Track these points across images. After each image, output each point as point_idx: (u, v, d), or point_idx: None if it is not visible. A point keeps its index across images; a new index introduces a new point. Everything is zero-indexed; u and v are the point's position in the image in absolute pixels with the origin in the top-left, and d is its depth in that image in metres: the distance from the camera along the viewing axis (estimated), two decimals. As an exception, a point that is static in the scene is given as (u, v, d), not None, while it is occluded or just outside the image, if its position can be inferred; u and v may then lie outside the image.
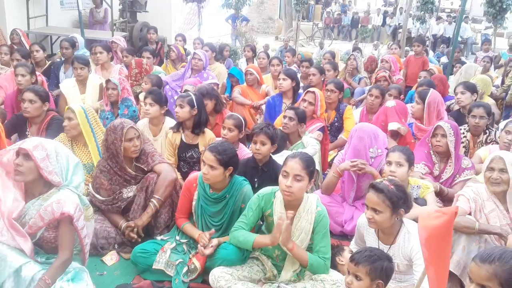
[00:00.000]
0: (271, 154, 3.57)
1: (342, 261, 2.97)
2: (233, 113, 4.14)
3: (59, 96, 5.28)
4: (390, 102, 4.42)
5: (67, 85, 5.26)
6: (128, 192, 3.40)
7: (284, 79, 5.23)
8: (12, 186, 2.51)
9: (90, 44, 7.84)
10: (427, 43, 14.33)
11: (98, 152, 3.74)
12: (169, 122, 4.31)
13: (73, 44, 6.35)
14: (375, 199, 2.54)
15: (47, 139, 2.66)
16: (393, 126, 4.26)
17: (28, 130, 4.10)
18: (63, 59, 6.45)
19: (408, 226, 2.65)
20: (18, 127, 4.08)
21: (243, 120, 3.95)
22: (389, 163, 3.24)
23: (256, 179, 3.42)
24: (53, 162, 2.47)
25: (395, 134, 4.31)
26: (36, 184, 2.51)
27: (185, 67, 6.26)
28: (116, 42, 6.97)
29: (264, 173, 3.48)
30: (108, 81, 4.79)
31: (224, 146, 2.99)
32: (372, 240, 2.76)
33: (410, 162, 3.22)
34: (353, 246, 3.04)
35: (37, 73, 5.04)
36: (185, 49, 7.71)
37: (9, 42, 7.14)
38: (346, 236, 3.61)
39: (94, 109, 4.14)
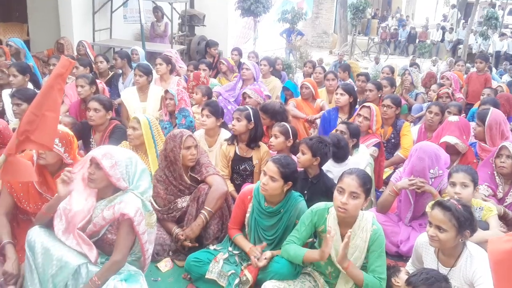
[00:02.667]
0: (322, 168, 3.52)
1: (398, 282, 2.88)
2: (281, 122, 4.15)
3: (121, 105, 5.51)
4: (453, 117, 4.22)
5: (128, 93, 5.49)
6: (182, 202, 3.48)
7: (341, 94, 5.18)
8: (86, 192, 2.61)
9: (150, 56, 8.16)
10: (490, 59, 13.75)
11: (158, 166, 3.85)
12: (225, 134, 4.37)
13: (124, 56, 6.62)
14: (441, 217, 2.45)
15: (117, 147, 2.78)
16: (450, 139, 3.98)
17: (92, 137, 4.29)
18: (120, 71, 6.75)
19: (471, 248, 2.53)
20: (83, 134, 4.29)
21: (289, 128, 3.94)
22: (453, 184, 3.10)
23: (305, 191, 3.40)
24: (121, 169, 2.56)
25: (455, 153, 4.10)
26: (106, 190, 2.62)
27: (237, 78, 6.37)
28: (168, 54, 7.16)
29: (313, 185, 3.45)
30: (166, 91, 4.96)
31: (287, 160, 3.00)
32: (430, 261, 2.66)
33: (475, 182, 3.08)
34: (409, 267, 2.94)
35: (98, 81, 5.29)
36: (240, 63, 7.84)
37: (75, 53, 7.55)
38: (402, 257, 3.49)
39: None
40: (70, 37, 8.01)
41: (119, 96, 6.09)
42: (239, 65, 6.63)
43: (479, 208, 3.18)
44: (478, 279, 2.42)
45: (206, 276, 2.98)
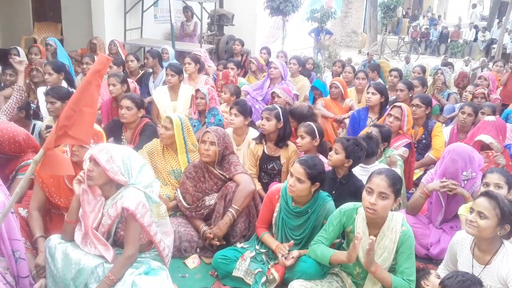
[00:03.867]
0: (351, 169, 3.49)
1: (427, 285, 2.83)
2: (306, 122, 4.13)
3: (152, 103, 5.59)
4: (490, 117, 4.11)
5: (159, 92, 5.58)
6: (210, 200, 3.51)
7: (373, 94, 5.12)
8: (95, 193, 2.66)
9: (180, 55, 8.26)
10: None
11: (187, 161, 3.90)
12: (253, 132, 4.39)
13: (155, 55, 6.71)
14: (485, 204, 2.42)
15: (112, 144, 2.81)
16: (485, 138, 3.90)
17: (123, 134, 4.38)
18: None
19: (508, 247, 2.47)
20: (114, 131, 4.37)
21: (315, 127, 3.93)
22: (487, 184, 3.04)
23: (334, 191, 3.37)
24: (118, 163, 2.57)
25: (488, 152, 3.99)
26: (109, 187, 2.63)
27: (265, 77, 6.37)
28: (196, 53, 7.23)
29: (342, 185, 3.42)
30: (197, 90, 5.01)
31: (314, 161, 2.98)
32: (465, 258, 2.59)
33: (510, 184, 3.00)
34: (441, 270, 2.87)
35: (130, 80, 5.38)
36: (268, 62, 7.85)
37: (107, 52, 7.71)
38: (431, 260, 3.43)
39: (182, 117, 4.33)
40: (102, 37, 8.17)
41: (149, 94, 6.19)
42: (267, 64, 6.63)
43: None
44: None
45: (233, 274, 3.00)
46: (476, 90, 5.87)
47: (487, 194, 2.46)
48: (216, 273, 3.16)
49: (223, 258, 3.07)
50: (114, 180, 2.57)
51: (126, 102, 4.23)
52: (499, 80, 7.31)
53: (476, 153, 3.47)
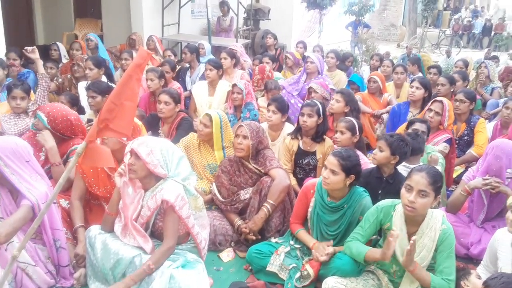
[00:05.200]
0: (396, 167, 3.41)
1: (467, 285, 2.74)
2: (346, 117, 4.07)
3: (189, 98, 5.66)
4: None
5: (198, 87, 5.63)
6: (245, 194, 3.52)
7: (417, 88, 5.00)
8: (135, 185, 2.71)
9: (216, 50, 8.31)
10: None
11: (224, 157, 3.92)
12: (288, 128, 4.37)
13: (193, 50, 6.76)
14: None
15: (152, 137, 2.86)
16: None
17: (160, 128, 4.46)
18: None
19: None
20: (152, 125, 4.46)
21: (356, 123, 3.87)
22: None
23: (380, 191, 3.29)
24: (158, 156, 2.63)
25: None
26: (148, 180, 2.69)
27: (301, 71, 6.33)
28: (233, 48, 7.25)
29: (388, 185, 3.33)
30: (234, 85, 5.02)
31: (348, 153, 2.95)
32: (506, 257, 2.50)
33: None
34: (481, 270, 2.78)
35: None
36: (304, 56, 7.79)
37: (145, 47, 7.84)
38: (472, 260, 3.32)
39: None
40: (140, 32, 8.33)
41: (185, 89, 6.26)
42: (304, 59, 6.58)
43: None
44: None
45: (267, 269, 3.00)
46: (523, 84, 5.63)
47: None
48: (250, 268, 3.17)
49: (258, 253, 3.07)
50: (154, 172, 2.63)
51: (164, 97, 4.30)
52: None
53: None
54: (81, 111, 4.72)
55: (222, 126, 3.91)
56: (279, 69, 7.94)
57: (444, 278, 2.53)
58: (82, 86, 5.22)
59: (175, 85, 5.68)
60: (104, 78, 5.28)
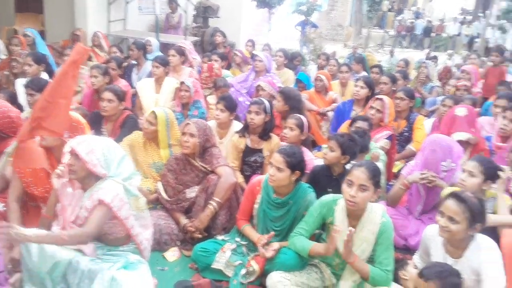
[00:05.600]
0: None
1: (405, 275, 2.86)
2: (295, 114, 4.14)
3: (136, 95, 5.54)
4: (461, 111, 4.11)
5: (144, 84, 5.52)
6: (191, 192, 3.50)
7: (362, 87, 5.14)
8: (72, 190, 2.62)
9: (164, 47, 8.18)
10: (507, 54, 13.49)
11: (170, 155, 3.85)
12: (236, 126, 4.38)
13: (141, 47, 6.63)
14: (455, 208, 2.41)
15: (93, 136, 2.78)
16: (461, 136, 3.93)
17: (103, 127, 4.33)
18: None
19: (479, 239, 2.50)
20: (94, 124, 4.29)
21: (304, 122, 3.94)
22: (463, 171, 3.11)
23: (329, 189, 3.34)
24: (98, 155, 2.54)
25: (463, 143, 3.97)
26: (88, 180, 2.59)
27: (250, 69, 6.36)
28: (182, 45, 7.17)
29: (338, 183, 3.38)
30: (182, 83, 4.97)
31: (293, 150, 3.00)
32: (438, 253, 2.62)
33: (487, 174, 3.03)
34: (416, 260, 2.91)
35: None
36: (253, 54, 7.83)
37: (90, 44, 7.60)
38: (410, 251, 3.45)
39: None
40: (84, 28, 8.07)
41: (132, 86, 6.13)
42: (252, 57, 6.62)
43: (492, 198, 3.14)
44: (485, 270, 2.38)
45: (212, 266, 3.00)
46: (458, 83, 5.93)
47: (456, 196, 2.45)
48: (195, 266, 3.15)
49: (203, 251, 3.06)
50: (94, 172, 2.54)
51: (107, 95, 4.18)
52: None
53: (456, 144, 3.51)
54: (19, 109, 4.48)
55: (168, 124, 3.85)
56: (228, 67, 7.93)
57: (383, 269, 2.63)
58: (20, 83, 4.97)
59: (121, 83, 5.54)
60: (44, 75, 5.06)
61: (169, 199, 3.52)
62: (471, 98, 5.20)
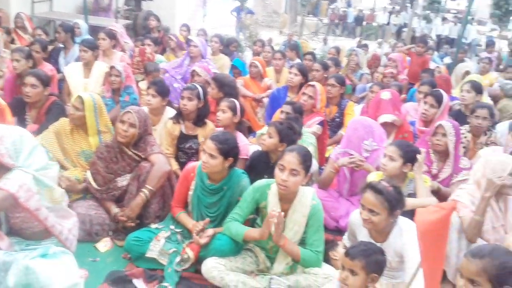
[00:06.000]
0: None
1: (335, 256, 2.98)
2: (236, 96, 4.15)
3: (63, 80, 5.27)
4: (386, 94, 4.28)
5: (72, 68, 5.27)
6: (122, 181, 3.41)
7: (296, 74, 5.20)
8: None
9: (93, 31, 7.83)
10: (431, 43, 14.30)
11: (99, 142, 3.72)
12: (169, 112, 4.31)
13: (68, 29, 6.32)
14: (373, 200, 2.51)
15: (2, 125, 2.60)
16: (387, 118, 4.09)
17: (27, 114, 4.09)
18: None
19: (401, 223, 2.63)
20: (17, 111, 4.05)
21: (237, 104, 3.96)
22: (385, 155, 3.26)
23: (266, 176, 3.37)
24: (7, 145, 2.37)
25: (390, 126, 4.17)
26: None
27: (184, 55, 6.27)
28: (113, 28, 6.91)
29: (274, 170, 3.46)
30: (112, 67, 4.79)
31: (226, 136, 3.01)
32: (363, 238, 2.74)
33: (406, 158, 3.19)
34: (346, 241, 3.04)
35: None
36: (188, 39, 7.71)
37: (12, 26, 7.12)
38: (340, 232, 3.59)
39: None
40: (6, 8, 7.52)
41: (60, 71, 5.83)
42: (187, 42, 6.51)
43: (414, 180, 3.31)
44: (407, 251, 2.52)
45: (146, 255, 2.95)
46: (385, 70, 6.21)
47: (372, 188, 2.54)
48: (129, 256, 3.08)
49: (136, 240, 3.00)
50: (3, 164, 2.38)
51: (30, 80, 3.93)
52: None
53: (377, 126, 3.70)
54: None
55: (96, 109, 3.68)
56: (162, 52, 7.77)
57: (313, 250, 2.73)
58: None
59: (47, 67, 5.24)
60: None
61: (99, 188, 3.40)
62: (397, 85, 5.46)
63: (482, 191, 2.86)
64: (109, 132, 3.75)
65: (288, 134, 3.42)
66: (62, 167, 3.58)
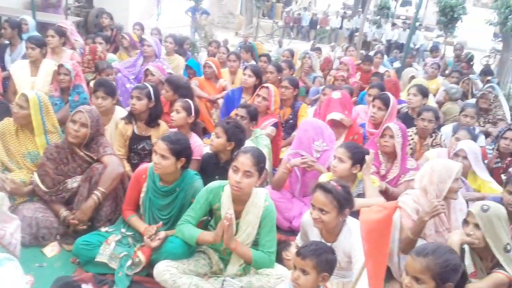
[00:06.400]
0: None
1: (288, 256, 3.02)
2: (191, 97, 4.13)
3: (9, 78, 5.05)
4: (336, 94, 4.39)
5: (18, 66, 5.06)
6: (73, 182, 3.31)
7: (250, 76, 5.23)
8: None
9: (42, 27, 7.54)
10: (382, 47, 14.82)
11: (46, 144, 3.58)
12: (119, 111, 4.23)
13: (15, 25, 6.06)
14: (323, 200, 2.56)
15: None
16: (335, 116, 4.18)
17: (-33, 113, 3.88)
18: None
19: (350, 223, 2.70)
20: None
21: (191, 104, 3.94)
22: (334, 157, 3.35)
23: (217, 177, 3.37)
24: None
25: (341, 126, 4.30)
26: None
27: (138, 54, 6.17)
28: (62, 25, 6.69)
29: (225, 170, 3.43)
30: (60, 66, 4.62)
31: (177, 136, 2.98)
32: (315, 238, 2.79)
33: (355, 159, 3.28)
34: (298, 241, 3.09)
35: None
36: (142, 38, 7.57)
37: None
38: (293, 232, 3.64)
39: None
40: None
41: (5, 69, 5.57)
42: (141, 41, 6.41)
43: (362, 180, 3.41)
44: (355, 251, 2.60)
45: (96, 259, 2.87)
46: (336, 73, 6.36)
47: (322, 188, 2.60)
48: (77, 260, 2.99)
49: (85, 244, 2.91)
50: None
51: (-30, 78, 3.74)
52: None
53: (326, 127, 3.81)
54: None
55: (41, 108, 3.54)
56: (115, 51, 7.59)
57: (266, 251, 2.75)
58: None
59: (-10, 64, 5.01)
60: None
61: (47, 190, 3.28)
62: (348, 88, 5.60)
63: (429, 197, 3.00)
64: (57, 132, 3.62)
65: (235, 133, 3.43)
66: (7, 169, 3.45)
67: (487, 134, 5.63)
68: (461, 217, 3.04)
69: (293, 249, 3.01)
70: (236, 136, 3.44)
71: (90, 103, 4.62)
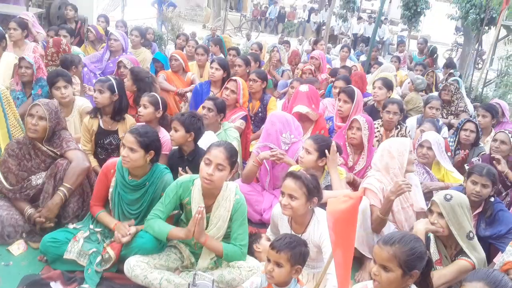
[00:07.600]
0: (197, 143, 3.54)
1: (259, 248, 3.05)
2: (150, 92, 4.09)
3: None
4: (303, 87, 4.44)
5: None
6: (37, 179, 3.23)
7: (217, 69, 5.22)
8: None
9: (3, 19, 7.27)
10: (348, 41, 15.03)
11: (9, 137, 3.48)
12: (80, 100, 4.19)
13: None
14: (292, 185, 2.62)
15: None
16: (301, 109, 4.23)
17: None
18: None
19: (318, 214, 2.76)
20: None
21: (159, 98, 3.92)
22: (302, 148, 3.41)
23: (180, 168, 3.38)
24: None
25: (308, 121, 4.35)
26: None
27: (104, 49, 6.05)
28: (24, 17, 6.47)
29: (189, 162, 3.44)
30: (21, 59, 4.47)
31: (145, 129, 2.95)
32: (285, 230, 2.84)
33: (321, 151, 3.34)
34: (269, 233, 3.12)
35: None
36: (107, 31, 7.42)
37: None
38: (264, 224, 3.68)
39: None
40: None
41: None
42: (107, 35, 6.27)
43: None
44: (324, 241, 2.65)
45: (64, 257, 2.82)
46: (304, 67, 6.42)
47: (292, 175, 2.67)
48: (45, 258, 2.93)
49: (53, 241, 2.84)
50: None
51: None
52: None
53: (293, 119, 3.86)
54: None
55: (2, 101, 3.44)
56: (80, 44, 7.41)
57: (237, 244, 2.77)
58: None
59: None
60: None
61: (11, 187, 3.19)
62: (315, 81, 5.65)
63: (391, 174, 3.20)
64: (19, 127, 3.52)
65: (192, 122, 3.44)
66: (-33, 166, 3.33)
67: (449, 126, 5.81)
68: (417, 192, 3.33)
69: (264, 241, 3.04)
70: (194, 125, 3.43)
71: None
